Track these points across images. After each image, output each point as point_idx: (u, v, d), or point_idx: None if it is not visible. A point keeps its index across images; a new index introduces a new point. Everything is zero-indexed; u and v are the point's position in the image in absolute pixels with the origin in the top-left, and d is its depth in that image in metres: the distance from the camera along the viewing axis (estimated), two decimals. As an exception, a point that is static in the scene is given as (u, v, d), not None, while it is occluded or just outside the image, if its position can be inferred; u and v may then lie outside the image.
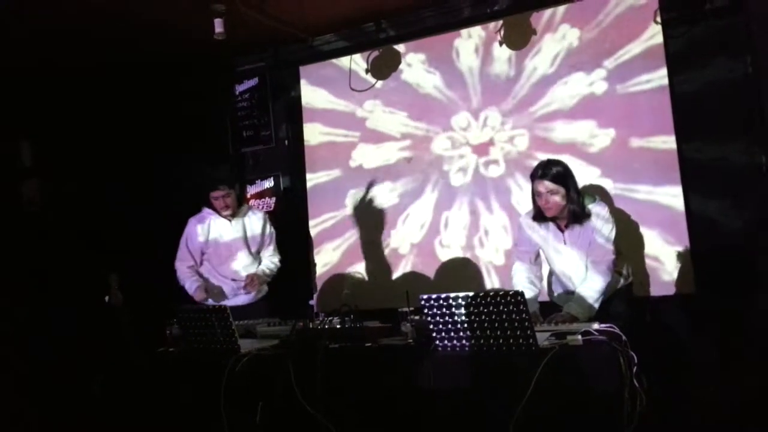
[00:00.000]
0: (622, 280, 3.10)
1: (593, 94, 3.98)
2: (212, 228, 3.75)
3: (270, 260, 3.88)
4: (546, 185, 2.87)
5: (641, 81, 3.86)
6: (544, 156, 3.46)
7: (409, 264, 4.48)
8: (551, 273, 3.21)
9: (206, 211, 3.77)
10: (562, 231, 2.97)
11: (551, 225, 2.98)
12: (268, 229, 3.90)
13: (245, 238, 3.78)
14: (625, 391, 2.10)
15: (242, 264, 3.77)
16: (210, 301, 3.67)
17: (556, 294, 3.19)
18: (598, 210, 2.93)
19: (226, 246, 3.75)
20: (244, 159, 5.15)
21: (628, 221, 3.80)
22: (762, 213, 3.64)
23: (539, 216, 2.97)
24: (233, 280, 3.76)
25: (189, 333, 2.86)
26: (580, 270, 2.99)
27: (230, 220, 3.75)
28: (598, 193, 3.15)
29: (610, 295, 2.96)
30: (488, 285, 4.21)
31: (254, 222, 3.83)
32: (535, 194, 2.94)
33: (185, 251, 3.78)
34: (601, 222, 2.91)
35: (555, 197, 2.86)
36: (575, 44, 4.04)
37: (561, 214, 2.91)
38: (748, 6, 3.63)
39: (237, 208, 3.77)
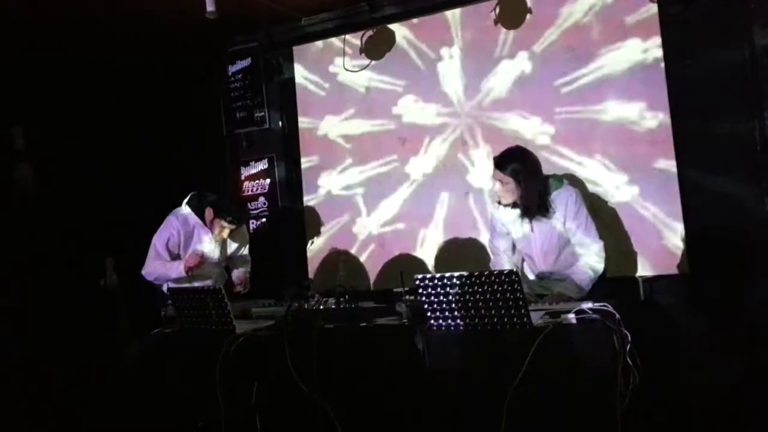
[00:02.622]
0: None
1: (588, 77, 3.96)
2: (195, 237, 3.59)
3: (242, 255, 3.87)
4: (496, 174, 2.94)
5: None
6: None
7: (403, 244, 4.47)
8: (522, 260, 3.23)
9: (191, 215, 3.58)
10: (529, 219, 3.00)
11: (519, 213, 3.00)
12: (245, 248, 3.85)
13: (223, 256, 3.73)
14: (618, 368, 2.11)
15: (210, 274, 3.69)
16: (197, 283, 3.58)
17: (529, 279, 3.17)
18: (566, 195, 2.95)
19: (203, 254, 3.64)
20: (237, 140, 5.12)
21: (605, 202, 3.82)
22: (758, 193, 3.65)
23: (499, 201, 3.03)
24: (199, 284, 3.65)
25: (184, 314, 2.86)
26: (550, 255, 3.04)
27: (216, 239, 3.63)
28: (568, 178, 3.15)
29: None
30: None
31: (235, 243, 3.75)
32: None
33: (164, 250, 3.55)
34: (572, 206, 2.93)
35: (504, 187, 2.93)
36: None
37: (519, 202, 2.95)
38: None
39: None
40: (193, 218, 3.58)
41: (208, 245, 3.62)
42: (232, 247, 3.78)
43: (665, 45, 3.76)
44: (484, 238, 4.22)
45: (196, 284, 3.49)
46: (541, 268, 3.11)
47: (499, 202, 3.04)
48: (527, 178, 2.90)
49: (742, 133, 3.67)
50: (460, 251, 4.29)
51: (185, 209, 3.60)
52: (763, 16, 3.60)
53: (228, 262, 3.86)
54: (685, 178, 3.75)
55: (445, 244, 4.35)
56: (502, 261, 3.17)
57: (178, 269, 3.48)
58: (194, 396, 2.73)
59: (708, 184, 3.73)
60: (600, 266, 2.93)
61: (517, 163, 2.91)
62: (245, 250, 3.90)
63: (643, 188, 3.81)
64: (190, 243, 3.59)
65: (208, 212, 3.54)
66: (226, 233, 3.57)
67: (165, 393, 2.82)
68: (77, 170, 5.11)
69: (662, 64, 3.77)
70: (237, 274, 3.73)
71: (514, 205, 2.99)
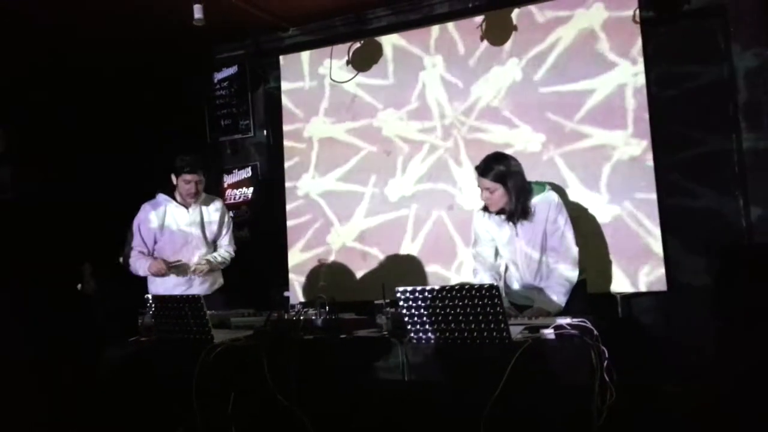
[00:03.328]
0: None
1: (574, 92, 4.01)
2: (168, 215, 3.64)
3: (225, 249, 3.80)
4: (483, 182, 2.93)
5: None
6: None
7: (385, 256, 4.47)
8: (506, 268, 3.21)
9: (161, 196, 3.66)
10: (514, 224, 3.01)
11: (503, 218, 3.01)
12: (226, 218, 3.83)
13: (201, 227, 3.69)
14: (596, 384, 2.12)
15: (197, 253, 3.68)
16: (172, 276, 3.59)
17: (513, 288, 3.16)
18: (548, 200, 2.97)
19: (182, 234, 3.65)
20: (221, 148, 5.10)
21: (587, 216, 3.86)
22: (735, 210, 3.71)
23: (485, 208, 3.05)
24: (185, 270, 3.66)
25: (161, 322, 2.83)
26: (533, 263, 3.03)
27: (187, 208, 3.66)
28: (550, 185, 3.18)
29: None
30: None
31: (212, 210, 3.75)
32: (480, 189, 2.99)
33: (138, 238, 3.62)
34: (553, 210, 2.95)
35: (494, 195, 2.92)
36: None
37: (507, 208, 2.96)
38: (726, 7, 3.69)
39: (200, 195, 3.68)
40: (164, 198, 3.65)
41: (180, 215, 3.63)
42: (211, 220, 3.72)
43: (647, 64, 3.83)
44: (462, 250, 4.24)
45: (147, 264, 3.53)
46: (524, 274, 3.09)
47: (487, 210, 3.04)
48: (513, 181, 2.91)
49: (720, 150, 3.75)
50: (440, 263, 4.30)
51: (158, 195, 3.69)
52: (742, 38, 3.69)
53: (216, 237, 3.78)
54: (664, 194, 3.80)
55: (426, 255, 4.36)
56: (484, 269, 3.13)
57: (144, 268, 3.55)
58: (170, 406, 2.69)
59: (687, 201, 3.79)
60: (574, 274, 2.93)
61: (501, 166, 2.92)
62: (227, 237, 3.80)
63: (624, 205, 3.86)
64: (164, 223, 3.62)
65: (173, 180, 3.60)
66: (192, 188, 3.57)
67: (141, 402, 2.77)
68: (56, 174, 5.05)
69: (644, 82, 3.83)
70: (205, 257, 3.68)
71: (500, 211, 2.98)
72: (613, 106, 3.90)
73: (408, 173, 4.44)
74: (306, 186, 4.76)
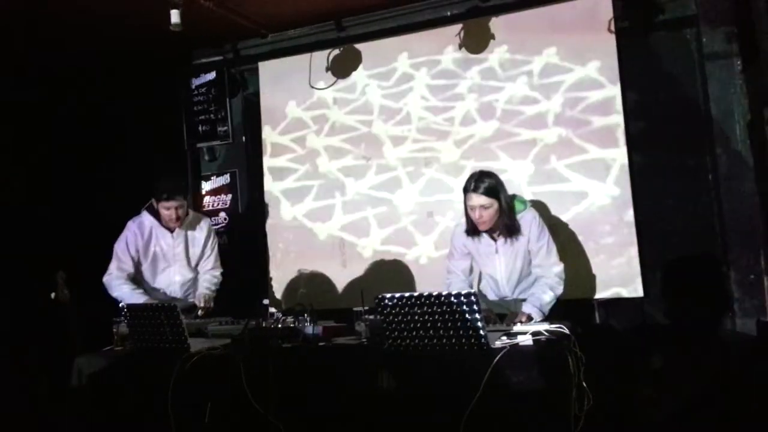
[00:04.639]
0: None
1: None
2: (153, 237, 3.52)
3: (211, 275, 3.70)
4: (478, 199, 2.86)
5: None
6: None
7: (367, 264, 4.46)
8: (481, 278, 3.21)
9: (147, 217, 3.53)
10: (494, 240, 3.01)
11: (484, 235, 3.01)
12: (211, 240, 3.70)
13: (186, 251, 3.60)
14: (573, 390, 2.14)
15: (178, 277, 3.60)
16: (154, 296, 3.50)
17: (488, 299, 3.15)
18: (529, 217, 2.98)
19: (165, 258, 3.56)
20: (198, 154, 5.06)
21: (562, 223, 3.90)
22: (709, 222, 3.77)
23: (473, 230, 2.98)
24: (164, 292, 3.59)
25: (136, 331, 2.78)
26: (514, 276, 3.06)
27: (172, 232, 3.54)
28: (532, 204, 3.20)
29: None
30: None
31: (197, 234, 3.63)
32: (468, 208, 2.93)
33: (126, 256, 3.48)
34: (535, 229, 2.96)
35: (488, 211, 2.87)
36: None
37: (494, 226, 2.94)
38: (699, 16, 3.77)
39: (185, 218, 3.54)
40: (149, 219, 3.52)
41: (165, 239, 3.54)
42: (196, 244, 3.63)
43: (622, 81, 3.89)
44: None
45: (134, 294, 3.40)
46: (503, 288, 3.11)
47: (473, 232, 2.99)
48: (504, 195, 2.90)
49: (694, 165, 3.82)
50: (421, 271, 4.30)
51: (143, 214, 3.55)
52: (715, 56, 3.75)
53: (198, 268, 3.70)
54: (639, 204, 3.85)
55: (406, 263, 4.36)
56: (458, 282, 3.12)
57: (122, 294, 3.40)
58: (146, 415, 2.65)
59: (661, 211, 3.85)
60: (560, 289, 2.96)
61: (491, 180, 2.89)
62: (211, 260, 3.70)
63: (600, 212, 3.90)
64: (149, 246, 3.53)
65: (154, 206, 3.47)
66: (173, 214, 3.43)
67: (116, 412, 2.72)
68: (30, 181, 4.97)
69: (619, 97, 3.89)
70: (200, 291, 3.61)
71: (492, 232, 2.96)
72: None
73: (389, 180, 4.44)
74: (285, 193, 4.73)
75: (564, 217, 3.94)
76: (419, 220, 4.34)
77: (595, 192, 3.91)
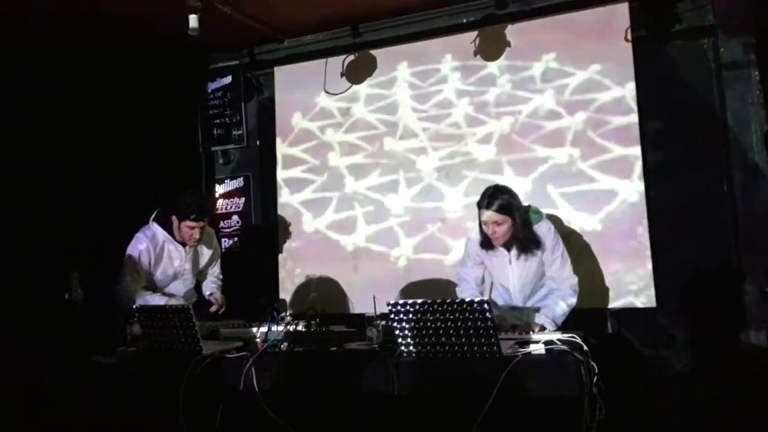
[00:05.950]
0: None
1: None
2: (164, 253, 3.51)
3: (217, 276, 3.80)
4: (491, 216, 2.87)
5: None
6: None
7: (378, 268, 4.46)
8: (493, 288, 3.20)
9: (158, 229, 3.48)
10: (508, 250, 3.00)
11: (499, 248, 3.00)
12: (218, 252, 3.81)
13: (193, 266, 3.66)
14: (585, 400, 2.13)
15: (182, 286, 3.65)
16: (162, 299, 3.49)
17: (499, 307, 3.14)
18: (545, 228, 2.96)
19: (174, 271, 3.59)
20: (213, 157, 5.09)
21: (575, 234, 3.87)
22: (723, 233, 3.74)
23: (487, 244, 2.98)
24: (170, 296, 3.59)
25: (150, 332, 2.80)
26: (527, 286, 3.06)
27: (185, 247, 3.53)
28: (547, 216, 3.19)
29: None
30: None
31: (206, 251, 3.68)
32: (481, 223, 2.94)
33: (141, 270, 3.44)
34: (550, 240, 2.95)
35: (501, 227, 2.87)
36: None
37: (508, 241, 2.94)
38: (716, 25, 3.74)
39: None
40: (162, 234, 3.49)
41: (177, 255, 3.54)
42: (203, 258, 3.69)
43: (639, 96, 3.85)
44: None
45: (164, 301, 3.41)
46: (516, 299, 3.10)
47: (487, 245, 2.98)
48: (518, 212, 2.89)
49: (710, 176, 3.78)
50: (432, 279, 4.30)
51: (153, 226, 3.52)
52: (732, 66, 3.72)
53: (199, 276, 3.77)
54: (653, 215, 3.82)
55: (419, 268, 4.35)
56: (469, 290, 3.12)
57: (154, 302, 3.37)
58: (157, 418, 2.66)
59: (676, 223, 3.82)
60: (573, 300, 2.94)
61: (506, 196, 2.89)
62: (217, 266, 3.82)
63: (614, 222, 3.88)
64: (160, 261, 3.53)
65: (174, 221, 3.43)
66: (197, 234, 3.41)
67: (127, 413, 2.74)
68: (45, 182, 5.01)
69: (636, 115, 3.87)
70: (215, 294, 3.66)
71: (506, 244, 2.95)
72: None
73: (403, 186, 4.44)
74: (299, 197, 4.75)
75: (577, 227, 3.92)
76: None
77: (610, 202, 3.89)
